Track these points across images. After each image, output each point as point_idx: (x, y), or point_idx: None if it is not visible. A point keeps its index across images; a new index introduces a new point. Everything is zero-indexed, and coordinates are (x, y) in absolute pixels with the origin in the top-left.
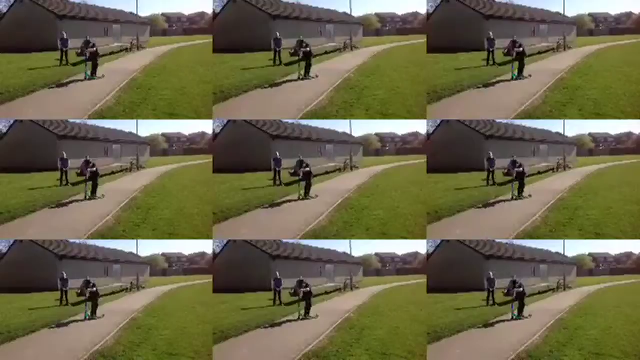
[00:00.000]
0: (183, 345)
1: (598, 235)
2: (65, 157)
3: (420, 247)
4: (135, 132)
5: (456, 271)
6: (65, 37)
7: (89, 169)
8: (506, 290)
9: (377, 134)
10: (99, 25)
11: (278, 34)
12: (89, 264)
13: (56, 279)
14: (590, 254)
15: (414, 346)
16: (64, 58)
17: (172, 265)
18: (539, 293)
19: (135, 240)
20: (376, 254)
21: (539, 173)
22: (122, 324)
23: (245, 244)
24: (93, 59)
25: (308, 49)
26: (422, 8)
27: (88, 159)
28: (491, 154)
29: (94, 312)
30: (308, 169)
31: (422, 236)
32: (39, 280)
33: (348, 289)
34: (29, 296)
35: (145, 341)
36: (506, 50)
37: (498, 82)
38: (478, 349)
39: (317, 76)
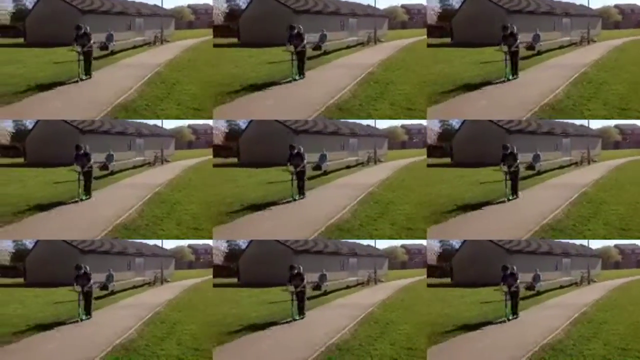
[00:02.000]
0: (208, 340)
1: (624, 231)
2: (88, 152)
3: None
4: (159, 125)
5: (479, 266)
6: (88, 32)
7: (86, 166)
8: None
9: (403, 126)
10: (122, 18)
11: (301, 28)
12: (111, 258)
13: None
14: (616, 246)
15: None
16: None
17: (200, 258)
18: (561, 287)
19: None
20: (402, 246)
21: (561, 167)
22: (145, 318)
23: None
24: (87, 58)
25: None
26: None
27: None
28: (515, 148)
29: (88, 312)
30: (301, 167)
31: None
32: (63, 274)
33: (372, 282)
34: (54, 290)
35: (170, 335)
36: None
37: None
38: (501, 341)
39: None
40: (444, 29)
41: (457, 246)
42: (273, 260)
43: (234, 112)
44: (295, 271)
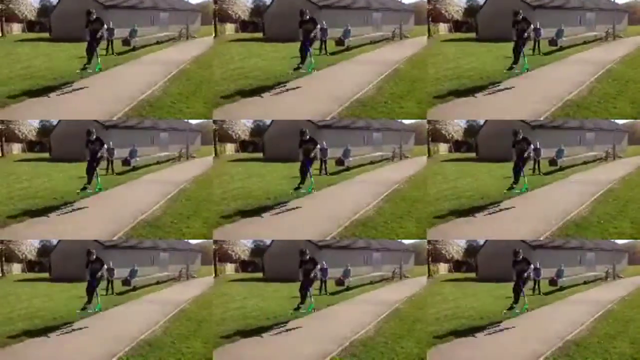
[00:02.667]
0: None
1: None
2: (111, 147)
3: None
4: (185, 120)
5: (503, 261)
6: (111, 27)
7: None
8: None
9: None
10: (146, 13)
11: (325, 23)
12: (134, 252)
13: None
14: None
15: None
16: (110, 47)
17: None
18: (585, 283)
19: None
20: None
21: (585, 163)
22: (170, 315)
23: None
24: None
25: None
26: None
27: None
28: (538, 143)
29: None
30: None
31: None
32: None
33: (397, 277)
34: (78, 285)
35: (195, 333)
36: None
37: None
38: (523, 335)
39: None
40: (469, 24)
41: (481, 242)
42: (297, 255)
43: (258, 108)
44: (307, 257)
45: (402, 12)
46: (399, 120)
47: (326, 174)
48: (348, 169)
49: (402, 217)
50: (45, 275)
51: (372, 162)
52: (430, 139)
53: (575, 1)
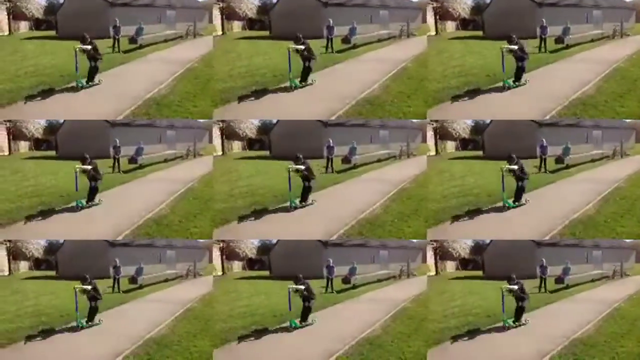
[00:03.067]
0: (239, 329)
1: None
2: (118, 145)
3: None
4: (192, 117)
5: (508, 259)
6: (117, 25)
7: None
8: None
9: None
10: (152, 11)
11: (331, 21)
12: (141, 250)
13: (108, 266)
14: None
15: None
16: (116, 45)
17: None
18: (592, 281)
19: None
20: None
21: (592, 161)
22: (177, 313)
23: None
24: (93, 59)
25: (304, 48)
26: None
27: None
28: (544, 141)
29: (91, 317)
30: (304, 166)
31: None
32: (93, 267)
33: (404, 276)
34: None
35: (202, 332)
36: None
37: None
38: (529, 333)
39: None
40: (476, 22)
41: (487, 240)
42: (304, 253)
43: (262, 105)
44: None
45: (410, 10)
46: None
47: (332, 172)
48: (355, 167)
49: (408, 216)
50: (52, 273)
51: (379, 160)
52: (437, 137)
53: None
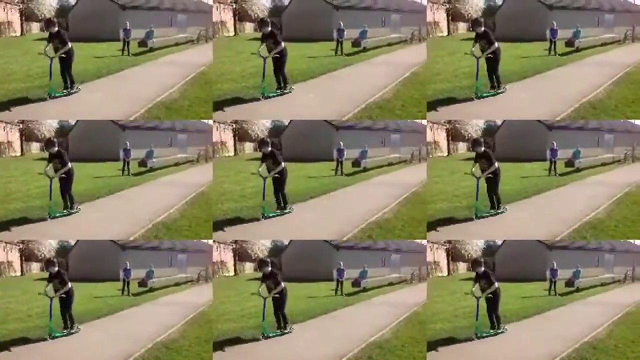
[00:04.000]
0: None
1: None
2: (128, 148)
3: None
4: (205, 121)
5: (519, 262)
6: (128, 28)
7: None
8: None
9: None
10: (164, 14)
11: (341, 24)
12: (152, 254)
13: (118, 269)
14: None
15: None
16: (126, 48)
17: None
18: (602, 285)
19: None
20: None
21: (603, 164)
22: (188, 317)
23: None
24: (66, 65)
25: (279, 50)
26: None
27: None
28: (554, 144)
29: (68, 324)
30: (281, 167)
31: None
32: (104, 269)
33: (415, 280)
34: (93, 285)
35: (212, 335)
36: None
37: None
38: (538, 335)
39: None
40: (487, 25)
41: (499, 242)
42: (315, 255)
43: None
44: (269, 269)
45: (421, 13)
46: (412, 120)
47: (342, 174)
48: (365, 170)
49: (419, 219)
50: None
51: (390, 164)
52: (450, 138)
53: (594, 2)
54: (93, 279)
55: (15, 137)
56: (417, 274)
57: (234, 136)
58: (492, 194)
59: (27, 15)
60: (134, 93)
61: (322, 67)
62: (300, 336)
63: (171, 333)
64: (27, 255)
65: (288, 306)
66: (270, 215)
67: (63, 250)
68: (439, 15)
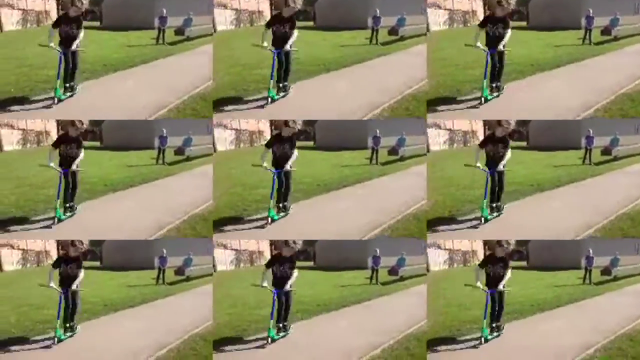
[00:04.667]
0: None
1: None
2: (164, 135)
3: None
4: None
5: (553, 250)
6: (164, 15)
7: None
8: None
9: None
10: (203, 1)
11: (378, 11)
12: (188, 242)
13: (152, 258)
14: None
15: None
16: (161, 37)
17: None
18: None
19: None
20: None
21: None
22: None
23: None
24: (73, 61)
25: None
26: None
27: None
28: (591, 131)
29: (68, 320)
30: (290, 164)
31: None
32: (136, 258)
33: None
34: (126, 274)
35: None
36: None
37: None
38: (572, 325)
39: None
40: (521, 12)
41: None
42: (347, 243)
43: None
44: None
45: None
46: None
47: (377, 163)
48: (402, 159)
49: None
50: (97, 263)
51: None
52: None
53: None
54: (126, 268)
55: (52, 125)
56: None
57: (270, 127)
58: (499, 190)
59: (63, 4)
60: (168, 83)
61: (356, 55)
62: (335, 324)
63: (208, 325)
64: (62, 245)
65: (322, 294)
66: (276, 218)
67: (97, 239)
68: None
